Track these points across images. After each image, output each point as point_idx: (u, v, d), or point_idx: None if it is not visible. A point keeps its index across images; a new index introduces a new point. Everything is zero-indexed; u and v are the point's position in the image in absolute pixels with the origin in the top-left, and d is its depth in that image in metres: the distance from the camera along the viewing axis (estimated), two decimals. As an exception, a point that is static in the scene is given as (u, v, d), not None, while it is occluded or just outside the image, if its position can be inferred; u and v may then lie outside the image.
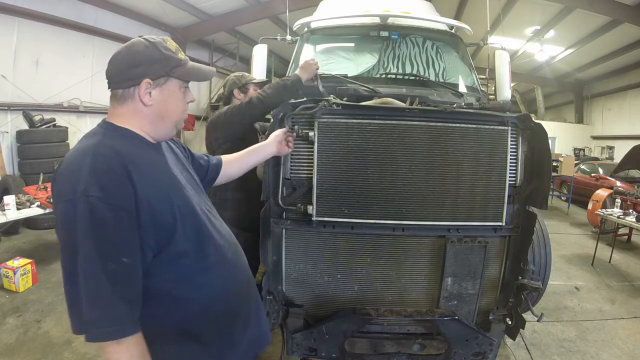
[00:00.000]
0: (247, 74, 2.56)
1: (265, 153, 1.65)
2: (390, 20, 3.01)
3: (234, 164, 1.56)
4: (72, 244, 0.88)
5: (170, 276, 1.03)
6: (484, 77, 4.31)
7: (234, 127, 2.15)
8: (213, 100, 11.23)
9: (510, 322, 1.98)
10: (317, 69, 2.15)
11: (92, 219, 0.87)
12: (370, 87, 2.50)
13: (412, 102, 2.20)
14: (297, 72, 2.11)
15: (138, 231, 0.93)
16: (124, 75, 1.02)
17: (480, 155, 1.83)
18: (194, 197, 1.14)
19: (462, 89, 2.85)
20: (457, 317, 1.84)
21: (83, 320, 0.88)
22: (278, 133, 1.68)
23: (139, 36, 1.10)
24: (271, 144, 1.65)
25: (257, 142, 2.52)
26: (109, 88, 1.05)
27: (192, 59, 1.16)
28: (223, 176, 1.51)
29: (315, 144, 1.78)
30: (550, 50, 11.16)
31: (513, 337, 2.05)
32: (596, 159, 12.59)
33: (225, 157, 1.54)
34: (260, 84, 2.44)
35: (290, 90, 2.05)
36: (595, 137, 14.62)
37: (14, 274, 3.63)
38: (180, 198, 1.06)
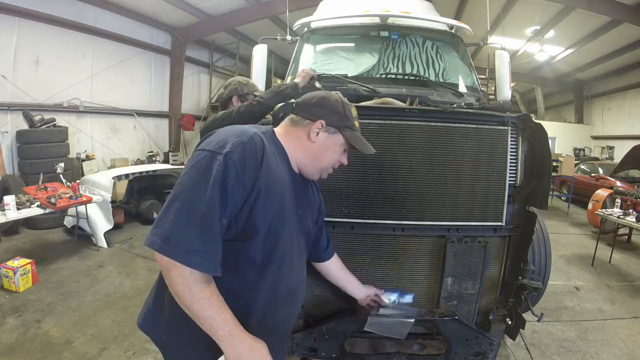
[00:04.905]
0: (251, 82, 2.47)
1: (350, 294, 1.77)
2: (390, 20, 3.01)
3: (334, 271, 1.69)
4: (201, 182, 0.99)
5: (227, 284, 1.06)
6: (484, 77, 4.31)
7: None
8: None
9: (510, 322, 1.98)
10: (313, 76, 2.18)
11: (224, 175, 1.00)
12: (370, 87, 2.50)
13: (412, 102, 2.20)
14: (295, 80, 2.12)
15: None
16: (309, 109, 1.24)
17: (480, 155, 1.83)
18: (293, 226, 1.20)
19: (462, 89, 2.85)
20: (457, 317, 1.83)
21: (187, 247, 0.96)
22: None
23: (336, 92, 1.32)
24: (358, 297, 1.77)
25: None
26: (293, 112, 1.27)
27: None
28: (321, 267, 1.66)
29: (315, 144, 1.78)
30: (550, 50, 11.16)
31: (513, 337, 2.05)
32: (596, 159, 12.58)
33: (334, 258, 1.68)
34: None
35: (287, 97, 2.02)
36: (595, 137, 14.61)
37: (14, 274, 3.64)
38: (278, 216, 1.12)
